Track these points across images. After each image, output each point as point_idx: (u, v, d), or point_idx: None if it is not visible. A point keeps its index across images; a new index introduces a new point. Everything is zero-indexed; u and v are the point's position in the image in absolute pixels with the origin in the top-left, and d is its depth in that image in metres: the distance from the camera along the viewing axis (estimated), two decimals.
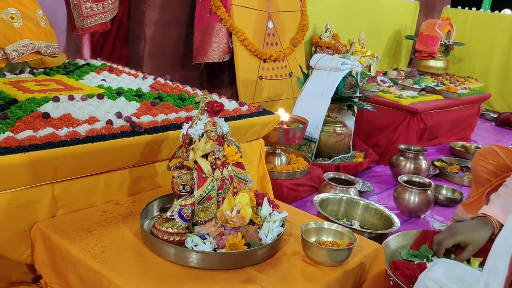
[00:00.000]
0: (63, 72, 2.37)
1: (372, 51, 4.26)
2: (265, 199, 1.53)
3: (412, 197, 2.45)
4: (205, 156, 1.42)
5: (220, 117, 1.47)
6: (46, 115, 1.63)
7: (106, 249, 1.35)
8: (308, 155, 2.86)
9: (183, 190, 1.40)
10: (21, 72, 2.24)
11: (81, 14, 2.76)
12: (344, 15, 4.64)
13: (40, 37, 2.20)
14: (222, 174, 1.44)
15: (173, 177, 1.42)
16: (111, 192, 1.64)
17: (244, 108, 2.12)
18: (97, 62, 2.69)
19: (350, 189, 2.36)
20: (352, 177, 2.47)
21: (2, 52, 2.07)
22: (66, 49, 3.06)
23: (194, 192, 1.40)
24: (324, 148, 2.98)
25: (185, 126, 1.45)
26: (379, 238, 1.91)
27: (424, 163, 2.95)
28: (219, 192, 1.43)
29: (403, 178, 2.54)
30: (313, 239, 1.46)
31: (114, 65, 2.67)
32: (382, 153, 3.34)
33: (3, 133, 1.42)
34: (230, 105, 2.13)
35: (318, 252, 1.36)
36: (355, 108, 3.05)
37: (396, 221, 2.01)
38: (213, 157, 1.43)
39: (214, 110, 1.43)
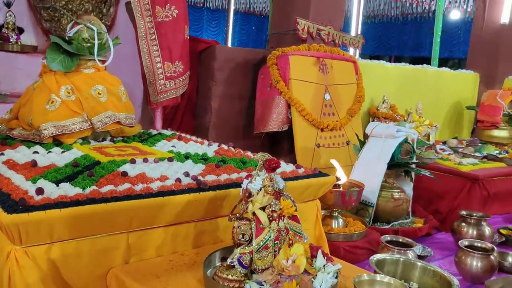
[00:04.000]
0: (139, 140, 2.65)
1: (430, 121, 4.31)
2: (319, 251, 1.61)
3: (475, 262, 2.41)
4: (263, 208, 1.55)
5: (276, 174, 1.62)
6: (124, 174, 1.85)
7: None
8: (366, 220, 2.90)
9: (242, 239, 1.53)
10: (103, 140, 2.54)
11: (155, 90, 3.11)
12: (402, 87, 4.78)
13: (121, 109, 2.51)
14: (278, 226, 1.56)
15: (234, 227, 1.55)
16: (178, 243, 1.79)
17: (301, 170, 2.25)
18: (168, 132, 2.98)
19: (408, 251, 2.36)
20: (410, 240, 2.47)
21: (89, 122, 2.37)
22: (141, 121, 3.40)
23: (253, 241, 1.52)
24: (382, 213, 3.00)
25: (245, 181, 1.61)
26: None
27: (487, 230, 2.88)
28: (275, 242, 1.54)
29: (464, 242, 2.50)
30: None
31: (183, 134, 2.94)
32: (443, 220, 3.29)
33: (89, 187, 1.64)
34: (287, 167, 2.28)
35: None
36: (413, 174, 3.09)
37: (456, 283, 1.98)
38: (270, 209, 1.56)
39: (271, 166, 1.58)
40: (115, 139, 2.58)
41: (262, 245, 1.52)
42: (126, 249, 1.66)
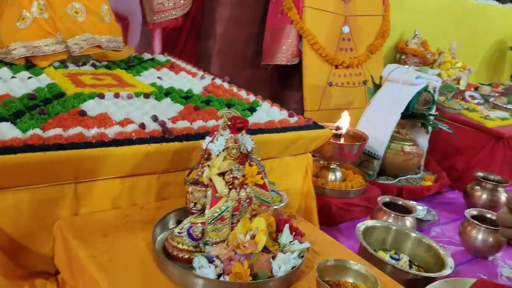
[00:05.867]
0: (125, 66, 2.41)
1: (463, 63, 3.87)
2: (287, 225, 1.40)
3: (480, 236, 2.17)
4: (223, 174, 1.33)
5: (244, 134, 1.37)
6: (82, 113, 1.63)
7: (114, 257, 1.31)
8: (370, 173, 2.66)
9: (194, 208, 1.33)
10: (84, 64, 2.30)
11: (152, 9, 2.80)
12: (437, 20, 4.27)
13: (103, 31, 2.24)
14: (239, 195, 1.34)
15: (187, 192, 1.35)
16: (137, 196, 1.61)
17: (293, 120, 1.99)
18: (162, 58, 2.71)
19: (406, 218, 2.13)
20: (411, 204, 2.22)
21: (65, 45, 2.13)
22: (140, 41, 3.13)
23: (206, 211, 1.32)
24: (389, 166, 2.74)
25: (207, 140, 1.37)
26: (427, 282, 1.68)
27: (503, 197, 2.60)
28: (234, 213, 1.34)
29: (471, 212, 2.25)
30: (332, 278, 1.31)
31: (178, 62, 2.68)
32: (458, 178, 3.01)
33: (32, 129, 1.43)
34: (278, 114, 2.02)
35: None
36: (429, 127, 2.78)
37: (450, 264, 1.77)
38: (231, 175, 1.33)
39: (237, 126, 1.33)
40: (97, 64, 2.34)
41: (217, 216, 1.32)
42: (74, 200, 1.48)
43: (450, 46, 3.97)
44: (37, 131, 1.42)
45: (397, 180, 2.76)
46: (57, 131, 1.45)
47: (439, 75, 3.19)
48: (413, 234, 1.96)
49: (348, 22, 3.17)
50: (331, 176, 2.42)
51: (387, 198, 2.25)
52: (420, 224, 2.36)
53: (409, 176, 2.82)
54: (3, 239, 1.40)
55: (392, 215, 2.13)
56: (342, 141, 2.35)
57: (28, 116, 1.53)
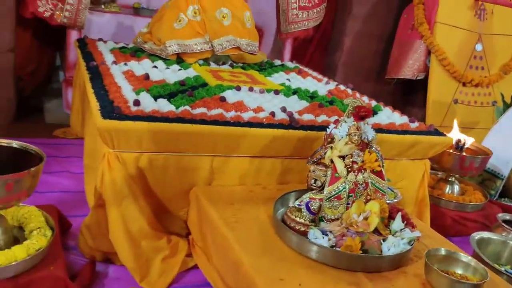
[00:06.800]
0: (257, 68, 2.65)
1: None
2: (399, 213, 1.48)
3: None
4: (343, 157, 1.45)
5: (367, 123, 1.49)
6: (223, 99, 1.88)
7: (239, 220, 1.51)
8: (491, 192, 2.57)
9: (314, 184, 1.47)
10: (223, 63, 2.59)
11: (287, 19, 3.03)
12: None
13: (243, 35, 2.51)
14: (356, 178, 1.45)
15: (309, 170, 1.49)
16: (261, 176, 1.79)
17: (414, 125, 2.04)
18: (291, 65, 2.92)
19: None
20: None
21: (210, 45, 2.43)
22: (271, 50, 3.38)
23: (325, 189, 1.45)
24: None
25: (331, 125, 1.51)
26: None
27: None
28: (350, 194, 1.45)
29: None
30: (440, 266, 1.36)
31: (305, 69, 2.86)
32: None
33: (183, 106, 1.70)
34: (399, 119, 2.09)
35: (439, 280, 1.27)
36: None
37: None
38: (351, 160, 1.45)
39: (360, 114, 1.45)
40: (234, 64, 2.61)
41: (334, 194, 1.44)
42: (210, 172, 1.71)
43: None
44: (187, 108, 1.69)
45: None
46: (202, 110, 1.70)
47: None
48: None
49: (482, 40, 3.11)
50: (448, 189, 2.40)
51: (507, 216, 2.17)
52: None
53: None
54: (150, 196, 1.67)
55: None
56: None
57: (180, 97, 1.81)
